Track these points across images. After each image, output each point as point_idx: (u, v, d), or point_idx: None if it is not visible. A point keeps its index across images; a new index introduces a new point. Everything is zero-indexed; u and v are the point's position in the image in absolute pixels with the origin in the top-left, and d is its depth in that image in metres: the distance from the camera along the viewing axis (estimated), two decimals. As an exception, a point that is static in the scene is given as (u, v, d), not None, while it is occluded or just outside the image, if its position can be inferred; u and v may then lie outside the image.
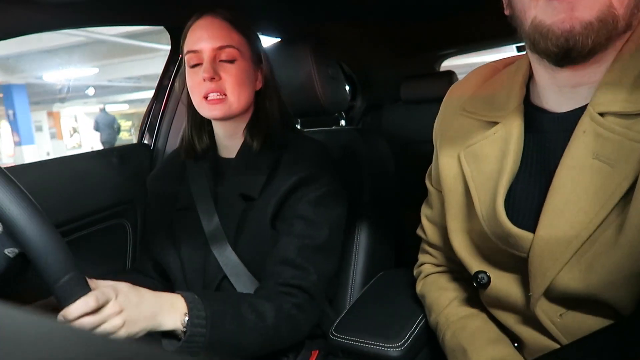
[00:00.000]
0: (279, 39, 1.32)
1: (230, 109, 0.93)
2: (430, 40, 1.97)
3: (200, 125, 1.03)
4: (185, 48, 0.95)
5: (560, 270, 0.60)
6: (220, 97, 0.92)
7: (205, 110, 0.94)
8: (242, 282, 0.94)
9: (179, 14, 1.11)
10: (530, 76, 0.69)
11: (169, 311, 0.75)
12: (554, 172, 0.61)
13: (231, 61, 0.93)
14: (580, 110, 0.61)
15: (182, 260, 0.99)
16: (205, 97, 0.92)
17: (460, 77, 1.67)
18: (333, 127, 1.57)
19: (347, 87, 1.98)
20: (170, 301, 0.77)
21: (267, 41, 1.28)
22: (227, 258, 0.95)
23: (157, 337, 0.77)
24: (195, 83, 0.93)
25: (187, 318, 0.75)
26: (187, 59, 0.94)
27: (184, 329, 0.75)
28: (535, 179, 0.65)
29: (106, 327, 0.68)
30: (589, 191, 0.58)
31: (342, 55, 1.88)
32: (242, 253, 0.95)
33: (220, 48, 0.92)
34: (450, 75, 1.95)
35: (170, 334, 0.77)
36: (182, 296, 0.78)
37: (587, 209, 0.58)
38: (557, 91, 0.64)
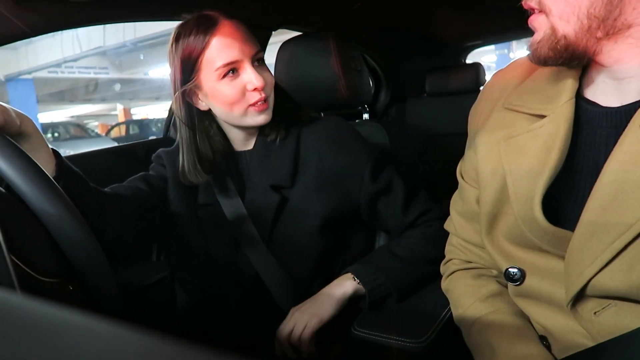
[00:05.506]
0: (300, 33, 1.31)
1: (272, 110, 0.91)
2: (456, 31, 1.93)
3: (211, 134, 0.95)
4: (215, 62, 0.84)
5: (600, 271, 0.57)
6: (266, 101, 0.89)
7: (251, 118, 0.89)
8: (277, 281, 0.93)
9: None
10: (584, 68, 0.65)
11: (338, 284, 0.90)
12: (602, 169, 0.58)
13: (262, 64, 0.90)
14: (635, 105, 0.57)
15: (213, 258, 0.98)
16: (251, 105, 0.88)
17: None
18: (356, 121, 1.56)
19: (370, 80, 1.97)
20: (334, 282, 0.91)
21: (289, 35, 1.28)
22: (259, 256, 0.93)
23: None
24: (239, 93, 0.86)
25: (355, 278, 0.89)
26: (220, 72, 0.85)
27: (361, 285, 0.88)
28: (581, 176, 0.62)
29: (298, 326, 0.85)
30: (638, 190, 0.54)
31: (366, 47, 1.86)
32: (277, 250, 0.93)
33: (256, 53, 0.88)
34: (477, 68, 1.92)
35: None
36: (341, 274, 0.92)
37: (635, 208, 0.54)
38: (613, 84, 0.60)
